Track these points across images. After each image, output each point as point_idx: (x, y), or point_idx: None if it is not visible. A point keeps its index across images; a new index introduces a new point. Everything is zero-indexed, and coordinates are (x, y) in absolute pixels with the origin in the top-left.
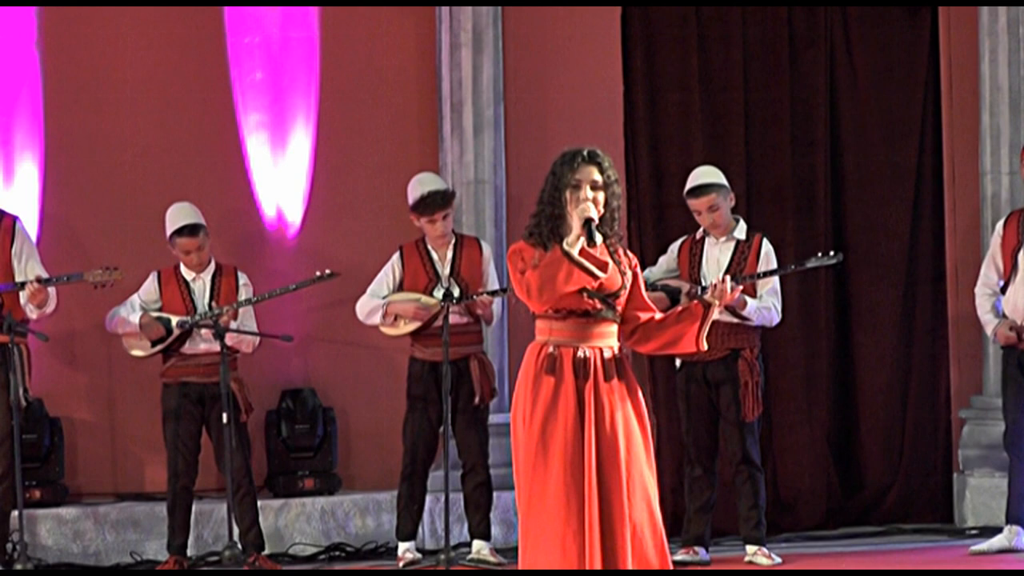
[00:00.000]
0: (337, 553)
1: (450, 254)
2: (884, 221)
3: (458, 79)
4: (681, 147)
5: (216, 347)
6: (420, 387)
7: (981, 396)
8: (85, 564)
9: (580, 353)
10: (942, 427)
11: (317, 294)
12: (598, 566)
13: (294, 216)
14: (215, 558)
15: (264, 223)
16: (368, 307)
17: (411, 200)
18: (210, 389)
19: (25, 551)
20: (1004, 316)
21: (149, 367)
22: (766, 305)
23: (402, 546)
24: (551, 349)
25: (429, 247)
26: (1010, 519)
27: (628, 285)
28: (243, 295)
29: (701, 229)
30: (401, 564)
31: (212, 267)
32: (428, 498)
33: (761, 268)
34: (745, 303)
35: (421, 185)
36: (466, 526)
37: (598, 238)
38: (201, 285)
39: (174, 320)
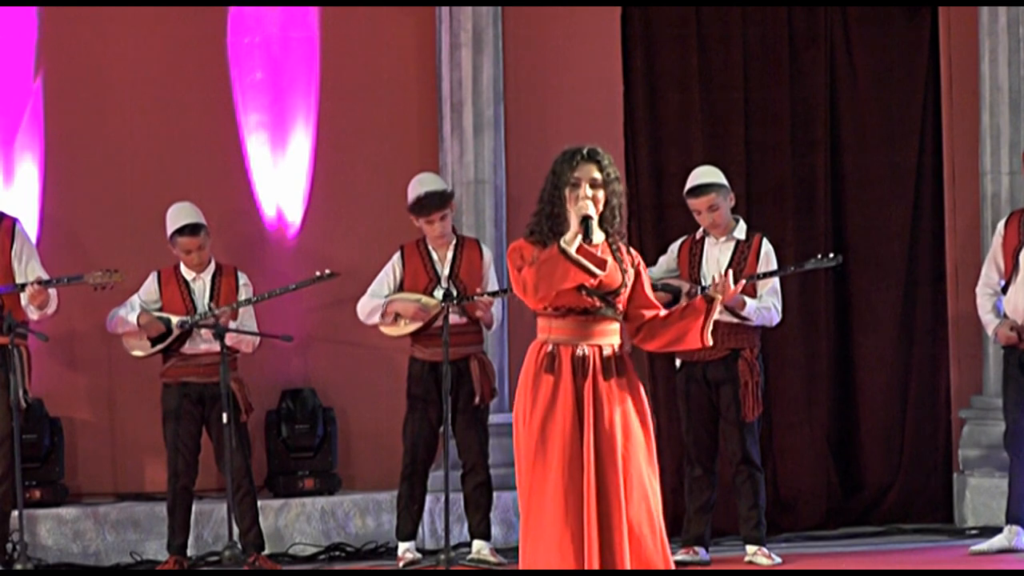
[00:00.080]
0: (337, 553)
1: (450, 255)
2: (884, 221)
3: (458, 79)
4: (681, 147)
5: (216, 347)
6: (420, 387)
7: (981, 396)
8: (85, 564)
9: (579, 351)
10: (942, 427)
11: (317, 294)
12: (596, 565)
13: (294, 216)
14: (215, 558)
15: (264, 223)
16: (369, 307)
17: (409, 200)
18: (210, 389)
19: (25, 551)
20: (1005, 316)
21: (149, 367)
22: (766, 305)
23: (402, 546)
24: (550, 348)
25: (430, 247)
26: (1010, 519)
27: (629, 283)
28: (243, 295)
29: (701, 229)
30: (401, 564)
31: (212, 267)
32: (428, 498)
33: (761, 268)
34: (744, 303)
35: (420, 185)
36: (466, 526)
37: (599, 236)
38: (201, 285)
39: (174, 320)
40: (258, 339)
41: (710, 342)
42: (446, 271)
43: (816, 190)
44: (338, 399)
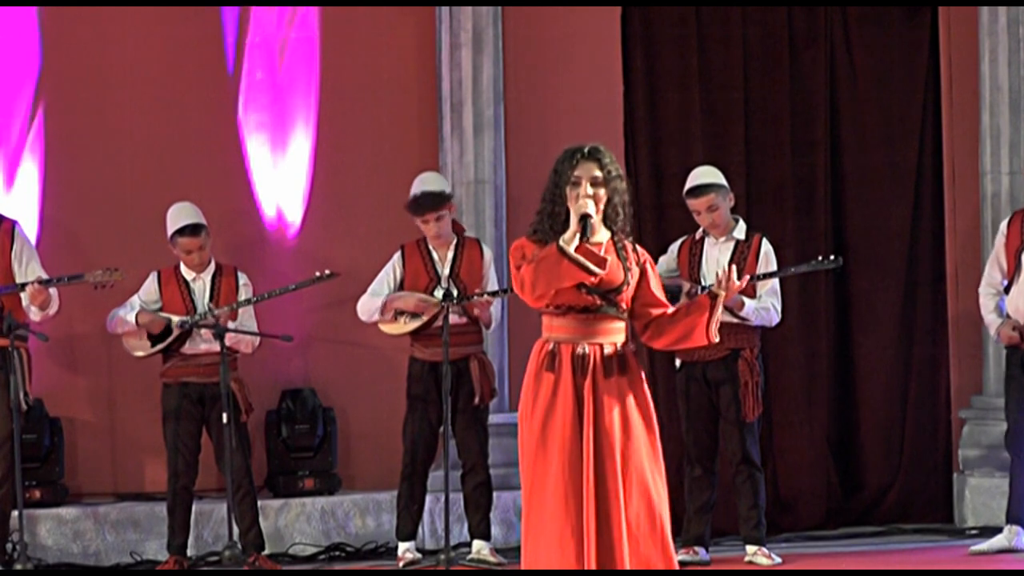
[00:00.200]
0: (337, 553)
1: (451, 255)
2: (884, 221)
3: (458, 79)
4: (681, 147)
5: (216, 347)
6: (420, 387)
7: (981, 396)
8: (85, 564)
9: (579, 350)
10: (942, 427)
11: (317, 294)
12: (594, 564)
13: (294, 216)
14: (215, 558)
15: (264, 223)
16: (369, 306)
17: (408, 198)
18: (210, 389)
19: (25, 551)
20: (1008, 316)
21: (149, 367)
22: (765, 305)
23: (402, 546)
24: (551, 346)
25: (430, 247)
26: (1010, 519)
27: (631, 281)
28: (243, 295)
29: (701, 229)
30: (401, 564)
31: (212, 267)
32: (428, 498)
33: (760, 268)
34: (743, 303)
35: (419, 184)
36: (466, 526)
37: (604, 234)
38: (201, 285)
39: (174, 320)
40: (258, 339)
41: (716, 338)
42: (446, 271)
43: (816, 190)
44: (338, 399)
